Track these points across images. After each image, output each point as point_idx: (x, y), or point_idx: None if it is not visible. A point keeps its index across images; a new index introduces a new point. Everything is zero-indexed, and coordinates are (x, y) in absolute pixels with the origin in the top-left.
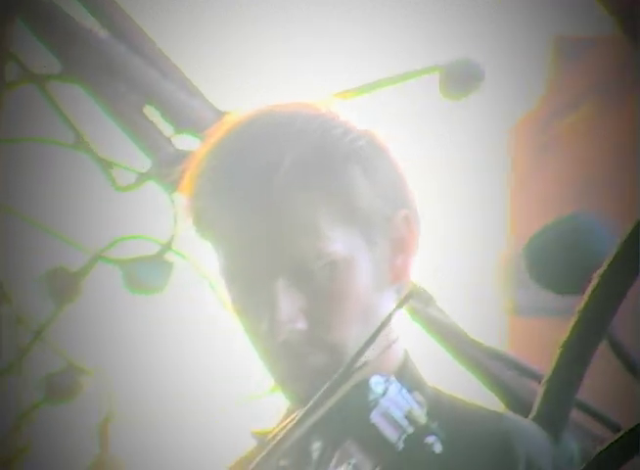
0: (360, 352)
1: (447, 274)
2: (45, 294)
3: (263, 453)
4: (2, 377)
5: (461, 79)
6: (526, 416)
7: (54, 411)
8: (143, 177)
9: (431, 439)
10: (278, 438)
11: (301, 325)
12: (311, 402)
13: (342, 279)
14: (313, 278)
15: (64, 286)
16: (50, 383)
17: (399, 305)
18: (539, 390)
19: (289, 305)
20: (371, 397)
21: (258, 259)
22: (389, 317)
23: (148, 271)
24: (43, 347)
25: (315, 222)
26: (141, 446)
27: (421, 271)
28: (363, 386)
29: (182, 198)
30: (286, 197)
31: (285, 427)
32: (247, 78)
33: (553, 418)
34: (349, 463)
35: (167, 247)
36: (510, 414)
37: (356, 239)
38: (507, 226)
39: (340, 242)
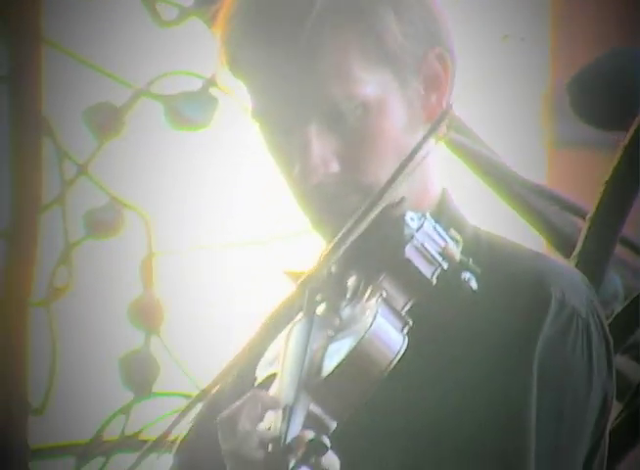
0: (391, 181)
1: (486, 110)
2: (89, 129)
3: (298, 287)
4: (46, 211)
5: None
6: (570, 253)
7: (97, 247)
8: (186, 12)
9: (466, 275)
10: (313, 271)
11: (335, 168)
12: (344, 230)
13: (375, 120)
14: (345, 121)
15: (108, 121)
16: (93, 218)
17: (432, 129)
18: (583, 226)
19: (321, 149)
20: (406, 231)
21: (290, 103)
22: (424, 140)
23: (192, 107)
24: (87, 181)
25: (346, 64)
26: (182, 287)
27: (458, 108)
28: (398, 221)
29: (216, 39)
30: (317, 40)
31: (320, 263)
32: None
33: (597, 255)
34: (380, 296)
35: (211, 82)
36: (547, 255)
37: (388, 79)
38: (548, 62)
39: (371, 83)
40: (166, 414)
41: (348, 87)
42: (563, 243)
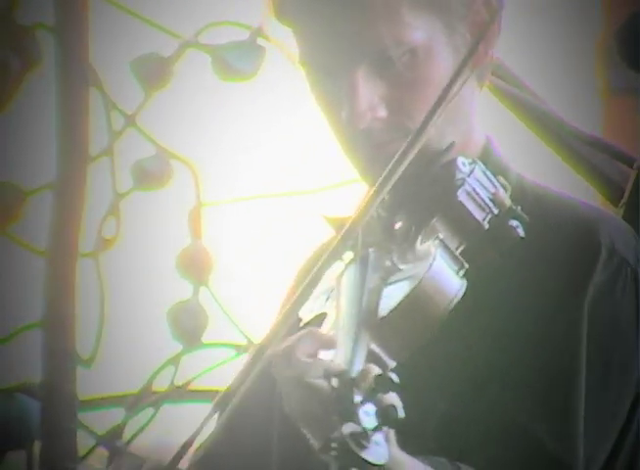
0: (429, 117)
1: (536, 56)
2: (137, 79)
3: (341, 235)
4: (94, 163)
5: None
6: (618, 202)
7: (145, 198)
8: None
9: (513, 223)
10: (359, 215)
11: (382, 113)
12: (386, 171)
13: (422, 66)
14: (393, 66)
15: (155, 72)
16: (141, 169)
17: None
18: (631, 175)
19: (369, 93)
20: (457, 176)
21: (339, 47)
22: (458, 73)
23: (239, 57)
24: (135, 132)
25: (395, 9)
26: (230, 237)
27: (506, 55)
28: (450, 165)
29: None
30: None
31: (364, 205)
32: None
33: None
34: (437, 238)
35: (258, 32)
36: (592, 204)
37: (436, 26)
38: (602, 9)
39: (419, 29)
40: (216, 365)
41: (397, 32)
42: (611, 191)
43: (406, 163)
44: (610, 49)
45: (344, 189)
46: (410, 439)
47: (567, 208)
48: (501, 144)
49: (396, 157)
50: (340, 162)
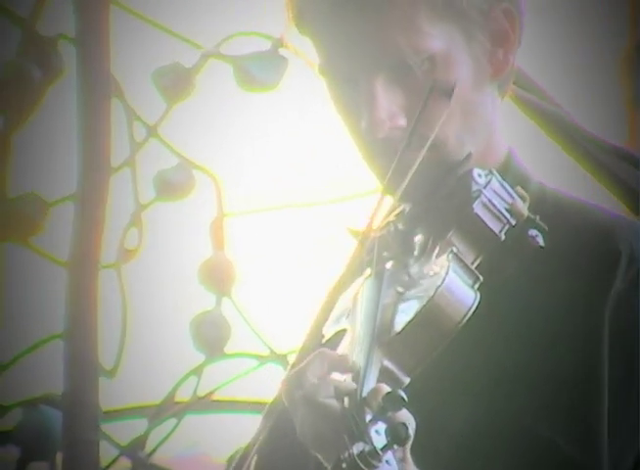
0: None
1: (560, 65)
2: (159, 90)
3: (360, 244)
4: (116, 173)
5: None
6: (638, 208)
7: (167, 209)
8: None
9: (533, 232)
10: (371, 223)
11: (401, 122)
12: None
13: (441, 75)
14: (412, 75)
15: (177, 82)
16: (164, 179)
17: None
18: None
19: (388, 102)
20: (473, 188)
21: (358, 56)
22: None
23: (261, 68)
24: (157, 143)
25: (414, 18)
26: (252, 248)
27: (528, 64)
28: (465, 177)
29: None
30: None
31: (374, 210)
32: None
33: None
34: (451, 252)
35: (280, 42)
36: (612, 210)
37: (455, 34)
38: (628, 18)
39: (438, 38)
40: (238, 375)
41: (416, 41)
42: (633, 200)
43: (436, 189)
44: (634, 59)
45: (368, 199)
46: (424, 455)
47: (586, 214)
48: (522, 153)
49: (396, 158)
50: (362, 171)
